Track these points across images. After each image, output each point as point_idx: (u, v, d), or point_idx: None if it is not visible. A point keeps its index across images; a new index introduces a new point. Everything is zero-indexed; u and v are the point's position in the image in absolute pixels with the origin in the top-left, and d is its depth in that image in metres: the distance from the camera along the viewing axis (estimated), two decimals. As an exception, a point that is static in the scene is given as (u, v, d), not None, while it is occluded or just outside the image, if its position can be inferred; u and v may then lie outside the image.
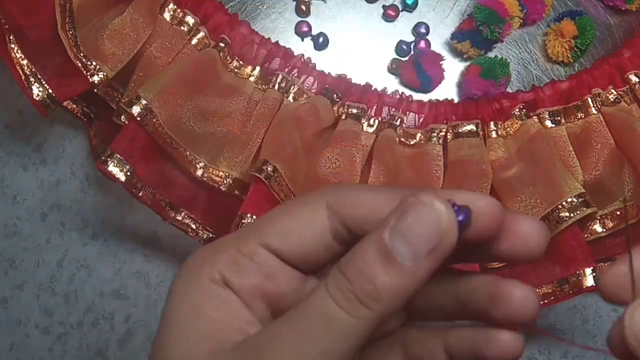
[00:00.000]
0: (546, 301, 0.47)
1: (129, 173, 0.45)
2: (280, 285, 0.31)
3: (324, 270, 0.31)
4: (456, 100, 0.52)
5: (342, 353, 0.27)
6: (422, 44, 0.53)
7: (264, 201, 0.45)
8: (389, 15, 0.53)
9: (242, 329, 0.30)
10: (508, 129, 0.50)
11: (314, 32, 0.53)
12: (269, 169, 0.45)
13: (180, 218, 0.48)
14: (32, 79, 0.46)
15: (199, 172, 0.46)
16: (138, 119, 0.45)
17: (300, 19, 0.53)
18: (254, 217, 0.44)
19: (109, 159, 0.45)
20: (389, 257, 0.27)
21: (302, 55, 0.50)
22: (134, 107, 0.45)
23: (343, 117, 0.48)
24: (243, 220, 0.45)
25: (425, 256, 0.27)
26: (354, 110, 0.49)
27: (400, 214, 0.27)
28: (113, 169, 0.45)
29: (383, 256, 0.27)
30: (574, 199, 0.46)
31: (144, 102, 0.45)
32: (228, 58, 0.49)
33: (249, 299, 0.30)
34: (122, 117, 0.47)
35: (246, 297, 0.30)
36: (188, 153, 0.46)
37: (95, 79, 0.46)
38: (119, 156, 0.45)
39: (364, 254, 0.27)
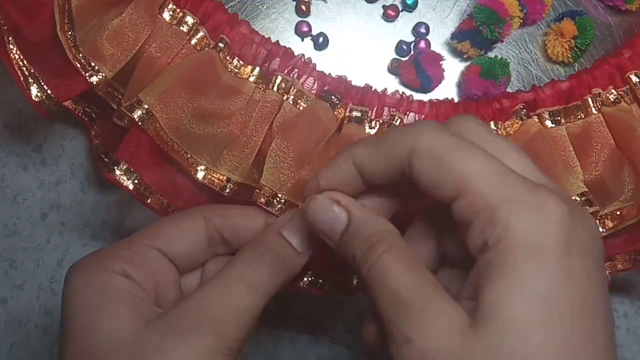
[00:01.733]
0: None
1: (136, 181, 0.45)
2: (167, 278, 0.40)
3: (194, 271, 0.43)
4: (456, 100, 0.52)
5: (258, 309, 0.38)
6: (422, 44, 0.53)
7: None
8: (389, 15, 0.53)
9: (146, 314, 0.36)
10: (508, 129, 0.50)
11: (314, 32, 0.53)
12: (267, 196, 0.44)
13: None
14: (31, 80, 0.46)
15: (200, 175, 0.46)
16: (140, 123, 0.45)
17: (300, 19, 0.53)
18: None
19: (115, 167, 0.45)
20: (287, 242, 0.40)
21: (302, 55, 0.50)
22: (136, 112, 0.45)
23: (346, 120, 0.48)
24: None
25: (306, 248, 0.40)
26: (357, 114, 0.49)
27: (290, 219, 0.41)
28: (121, 177, 0.45)
29: (284, 241, 0.40)
30: (577, 198, 0.46)
31: (145, 106, 0.45)
32: (228, 58, 0.49)
33: (146, 288, 0.38)
34: (125, 120, 0.47)
35: (144, 286, 0.38)
36: (189, 156, 0.46)
37: (95, 79, 0.46)
38: (125, 164, 0.45)
39: (269, 239, 0.40)
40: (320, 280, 0.47)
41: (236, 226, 0.42)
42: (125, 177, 0.45)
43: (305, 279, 0.47)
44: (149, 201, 0.46)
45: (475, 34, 0.51)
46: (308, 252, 0.41)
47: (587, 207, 0.45)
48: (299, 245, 0.40)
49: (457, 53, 0.53)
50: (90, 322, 0.35)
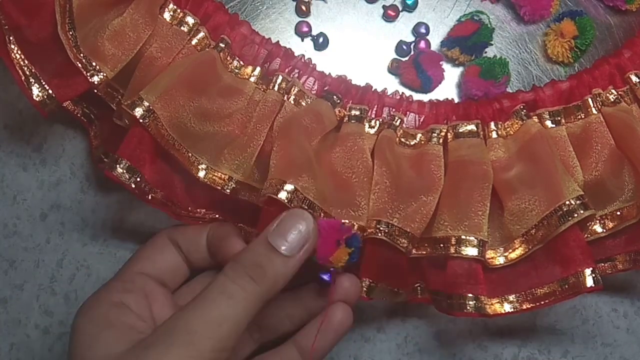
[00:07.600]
0: (546, 301, 0.47)
1: (138, 179, 0.45)
2: (159, 298, 0.43)
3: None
4: (456, 100, 0.52)
5: (238, 320, 0.38)
6: (422, 44, 0.53)
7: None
8: (389, 15, 0.53)
9: (135, 336, 0.40)
10: (508, 129, 0.50)
11: (314, 32, 0.53)
12: (288, 188, 0.43)
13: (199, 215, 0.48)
14: (32, 80, 0.46)
15: (201, 174, 0.46)
16: (140, 120, 0.45)
17: (300, 19, 0.53)
18: None
19: (117, 164, 0.45)
20: (272, 249, 0.40)
21: (303, 55, 0.50)
22: (137, 109, 0.45)
23: (346, 119, 0.48)
24: None
25: (297, 251, 0.40)
26: (356, 112, 0.49)
27: (279, 221, 0.41)
28: (122, 174, 0.45)
29: (268, 248, 0.40)
30: (573, 201, 0.45)
31: (146, 103, 0.45)
32: (228, 58, 0.49)
33: (140, 312, 0.42)
34: (125, 119, 0.47)
35: (138, 310, 0.42)
36: (190, 154, 0.46)
37: (96, 79, 0.46)
38: (126, 161, 0.45)
39: (253, 247, 0.40)
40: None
41: (195, 241, 0.46)
42: (127, 175, 0.45)
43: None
44: (149, 197, 0.46)
45: (463, 41, 0.51)
46: (299, 255, 0.41)
47: (582, 211, 0.45)
48: (288, 249, 0.40)
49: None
50: (88, 348, 0.40)
